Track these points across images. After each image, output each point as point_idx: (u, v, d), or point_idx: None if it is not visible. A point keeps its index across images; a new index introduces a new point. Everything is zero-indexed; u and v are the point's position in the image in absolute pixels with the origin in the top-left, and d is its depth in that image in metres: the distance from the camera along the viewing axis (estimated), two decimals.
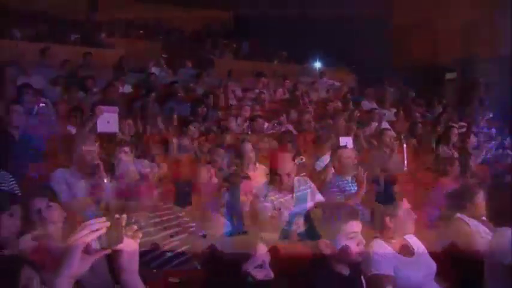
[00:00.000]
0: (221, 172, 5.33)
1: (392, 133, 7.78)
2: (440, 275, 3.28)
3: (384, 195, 4.50)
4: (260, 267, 2.13)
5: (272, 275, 2.16)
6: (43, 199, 3.11)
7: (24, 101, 6.70)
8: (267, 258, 2.17)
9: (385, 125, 8.88)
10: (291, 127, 8.44)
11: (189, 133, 7.00)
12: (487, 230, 3.80)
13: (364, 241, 2.71)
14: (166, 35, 15.83)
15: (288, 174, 4.56)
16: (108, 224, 1.58)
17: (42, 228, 3.02)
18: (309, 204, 4.27)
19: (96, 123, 6.22)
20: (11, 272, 1.68)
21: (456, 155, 7.18)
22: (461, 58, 12.47)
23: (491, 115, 10.06)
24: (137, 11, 15.90)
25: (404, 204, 3.32)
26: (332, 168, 5.48)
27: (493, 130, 9.40)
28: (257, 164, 5.83)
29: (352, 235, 2.66)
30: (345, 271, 2.71)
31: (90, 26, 14.11)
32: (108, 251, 1.61)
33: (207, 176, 4.69)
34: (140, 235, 1.70)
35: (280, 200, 4.50)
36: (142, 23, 15.98)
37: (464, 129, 8.91)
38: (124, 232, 1.63)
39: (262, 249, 2.17)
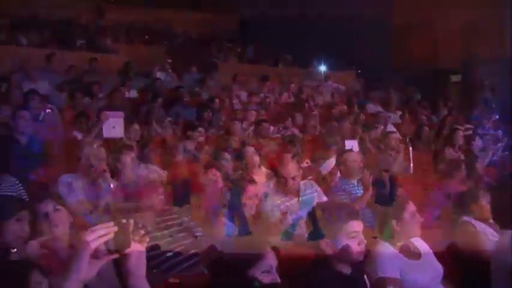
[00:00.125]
0: (227, 176, 5.34)
1: (397, 136, 7.78)
2: (446, 277, 3.28)
3: (386, 194, 4.54)
4: (267, 272, 2.13)
5: (279, 280, 2.17)
6: (51, 202, 3.12)
7: (30, 107, 6.74)
8: (275, 264, 2.18)
9: (390, 127, 8.88)
10: (296, 131, 8.45)
11: (195, 138, 7.01)
12: (494, 233, 3.79)
13: (365, 241, 2.72)
14: (171, 39, 15.87)
15: (294, 178, 4.57)
16: (115, 228, 1.59)
17: (50, 232, 3.02)
18: None
19: (101, 128, 6.24)
20: (20, 277, 1.70)
21: (462, 157, 7.16)
22: (466, 60, 12.45)
23: (497, 117, 10.02)
24: (142, 16, 15.99)
25: (410, 207, 3.31)
26: (338, 172, 5.49)
27: (500, 132, 9.36)
28: (262, 168, 5.84)
29: (353, 235, 2.67)
30: (346, 270, 2.72)
31: (95, 31, 14.16)
32: (116, 256, 1.62)
33: (213, 180, 4.68)
34: (147, 239, 1.71)
35: (286, 203, 4.51)
36: (146, 28, 16.03)
37: (470, 132, 8.89)
38: (131, 237, 1.64)
39: (270, 255, 2.17)
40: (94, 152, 4.78)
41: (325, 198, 4.69)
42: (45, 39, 12.56)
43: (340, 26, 13.54)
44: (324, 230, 2.70)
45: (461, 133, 7.89)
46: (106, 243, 1.58)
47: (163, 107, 8.91)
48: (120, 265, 1.69)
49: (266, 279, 2.13)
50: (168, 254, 3.25)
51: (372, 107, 10.88)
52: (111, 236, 1.58)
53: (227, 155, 5.63)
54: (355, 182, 5.08)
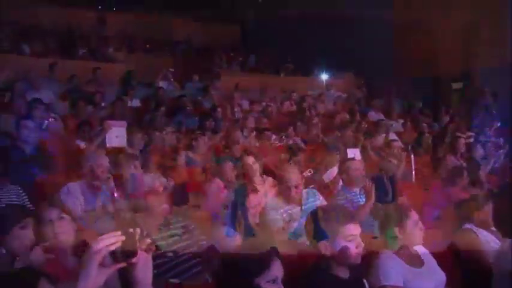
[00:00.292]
0: (230, 185, 5.36)
1: (399, 144, 7.80)
2: (449, 285, 3.29)
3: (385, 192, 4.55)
4: (273, 282, 2.15)
5: None
6: (55, 211, 3.14)
7: (34, 116, 6.78)
8: (280, 274, 2.19)
9: (392, 136, 8.90)
10: (298, 140, 8.47)
11: (198, 146, 7.04)
12: (496, 240, 3.80)
13: (363, 244, 2.74)
14: (172, 48, 15.93)
15: (296, 187, 4.59)
16: (123, 237, 1.61)
17: (54, 240, 3.04)
18: None
19: (105, 137, 6.28)
20: (28, 285, 1.71)
21: (464, 164, 7.17)
22: (467, 68, 12.47)
23: (498, 124, 10.04)
24: (144, 25, 16.06)
25: (413, 216, 3.32)
26: (340, 180, 5.50)
27: (501, 139, 9.37)
28: (265, 176, 5.85)
29: (350, 238, 2.70)
30: (344, 274, 2.74)
31: (97, 40, 14.23)
32: (124, 264, 1.64)
33: (216, 189, 4.71)
34: (154, 248, 1.73)
35: (288, 212, 4.53)
36: (148, 37, 16.10)
37: (471, 139, 8.91)
38: (138, 245, 1.66)
39: (276, 265, 2.19)
40: (98, 161, 4.80)
41: None
42: (48, 48, 12.61)
43: (341, 35, 13.61)
44: (322, 231, 2.73)
45: (463, 141, 7.91)
46: (113, 251, 1.60)
47: (166, 115, 8.94)
48: (127, 274, 1.71)
49: None
50: (173, 263, 3.26)
51: (373, 115, 10.91)
52: (119, 244, 1.60)
53: (230, 164, 5.65)
54: (357, 190, 5.09)
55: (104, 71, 11.13)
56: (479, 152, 8.26)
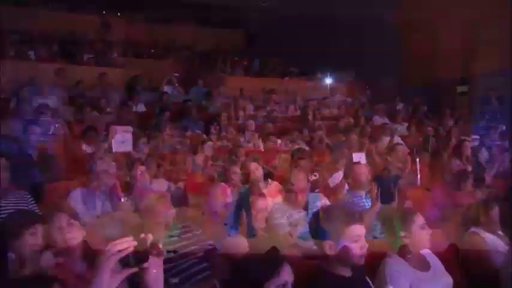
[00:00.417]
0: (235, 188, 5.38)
1: (404, 148, 7.79)
2: None
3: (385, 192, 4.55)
4: (282, 287, 2.15)
5: None
6: (64, 217, 3.15)
7: (41, 121, 6.82)
8: (290, 279, 2.19)
9: (397, 139, 8.90)
10: (303, 144, 8.48)
11: (203, 151, 7.06)
12: (503, 244, 3.80)
13: (367, 245, 2.75)
14: (177, 53, 15.97)
15: (302, 191, 4.60)
16: (135, 243, 1.63)
17: (63, 245, 3.05)
18: None
19: (111, 142, 6.31)
20: None
21: (469, 168, 7.15)
22: (472, 71, 12.46)
23: (503, 127, 10.01)
24: (148, 30, 16.12)
25: (419, 220, 3.33)
26: (346, 184, 5.51)
27: (506, 142, 9.35)
28: (270, 181, 5.87)
29: (355, 238, 2.71)
30: (347, 274, 2.75)
31: (102, 46, 14.29)
32: (135, 270, 1.66)
33: (223, 194, 4.72)
34: (165, 254, 1.75)
35: (295, 216, 4.53)
36: (153, 42, 16.16)
37: (476, 143, 8.88)
38: (149, 251, 1.68)
39: (286, 270, 2.19)
40: (105, 167, 4.83)
41: None
42: (53, 54, 12.68)
43: (346, 39, 13.62)
44: (326, 232, 2.74)
45: (468, 144, 7.89)
46: (126, 257, 1.62)
47: (171, 120, 8.98)
48: (138, 279, 1.72)
49: None
50: (180, 267, 3.28)
51: (378, 119, 10.91)
52: (131, 249, 1.62)
53: (236, 169, 5.67)
54: (363, 194, 5.10)
55: (109, 76, 11.18)
56: (484, 155, 8.24)
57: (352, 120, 10.18)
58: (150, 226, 3.40)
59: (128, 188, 4.99)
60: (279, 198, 4.99)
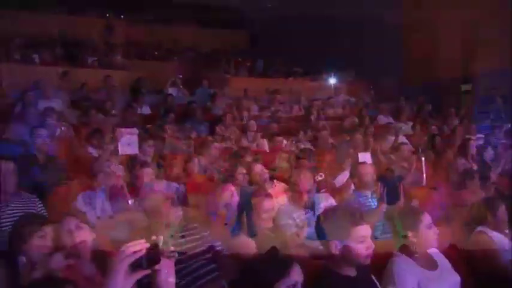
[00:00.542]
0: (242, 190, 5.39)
1: (410, 147, 7.80)
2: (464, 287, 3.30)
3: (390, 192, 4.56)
4: (293, 287, 2.17)
5: None
6: (73, 220, 3.17)
7: (47, 124, 6.85)
8: (300, 279, 2.21)
9: (402, 138, 8.89)
10: (308, 144, 8.48)
11: (209, 152, 7.07)
12: (510, 243, 3.80)
13: (373, 245, 2.76)
14: (181, 55, 16.00)
15: (308, 191, 4.62)
16: (147, 245, 1.65)
17: (73, 249, 3.08)
18: None
19: (117, 145, 6.33)
20: None
21: (475, 167, 7.15)
22: (477, 69, 12.44)
23: (508, 126, 9.99)
24: (152, 32, 16.16)
25: (426, 219, 3.33)
26: (352, 184, 5.51)
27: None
28: (276, 181, 5.88)
29: (361, 239, 2.72)
30: (353, 273, 2.77)
31: (106, 48, 14.32)
32: (148, 272, 1.68)
33: (229, 194, 4.73)
34: (176, 256, 1.77)
35: (301, 217, 4.55)
36: (157, 44, 16.19)
37: (481, 141, 8.87)
38: (161, 253, 1.70)
39: (296, 270, 2.20)
40: (112, 169, 4.85)
41: None
42: (57, 57, 12.72)
43: (350, 38, 13.63)
44: (333, 233, 2.75)
45: (473, 143, 7.88)
46: (138, 259, 1.64)
47: (176, 122, 8.99)
48: (150, 281, 1.74)
49: None
50: (189, 269, 3.29)
51: (382, 118, 10.91)
52: (143, 252, 1.64)
53: (242, 169, 5.68)
54: (369, 194, 5.11)
55: (113, 79, 11.21)
56: (489, 153, 8.23)
57: (356, 119, 10.17)
58: (157, 227, 3.41)
59: (134, 189, 5.00)
60: (284, 199, 5.00)
